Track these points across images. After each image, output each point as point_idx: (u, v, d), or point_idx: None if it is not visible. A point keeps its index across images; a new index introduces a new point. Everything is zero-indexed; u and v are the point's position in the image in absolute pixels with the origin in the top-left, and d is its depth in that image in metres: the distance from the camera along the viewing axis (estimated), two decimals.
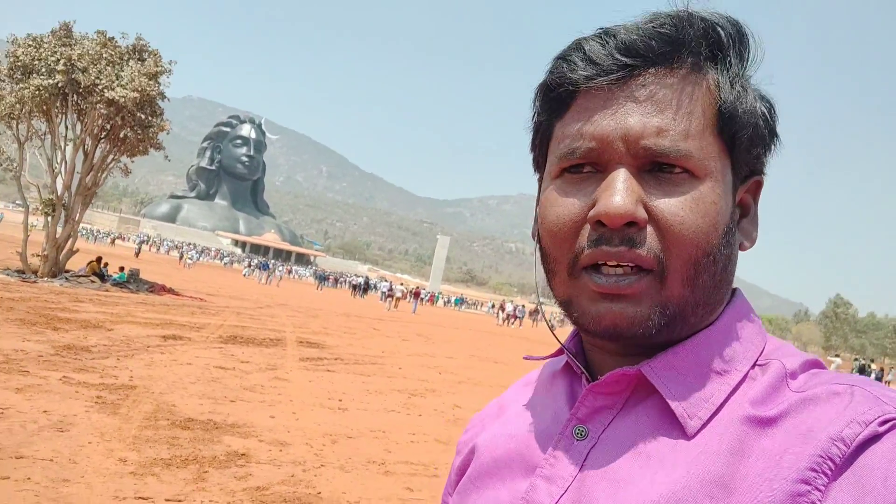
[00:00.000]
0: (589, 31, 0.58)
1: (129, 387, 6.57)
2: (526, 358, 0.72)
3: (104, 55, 17.35)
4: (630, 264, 0.53)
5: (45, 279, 17.62)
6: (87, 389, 6.18)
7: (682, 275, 0.53)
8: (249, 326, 14.04)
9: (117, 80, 17.05)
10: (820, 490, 0.44)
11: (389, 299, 36.09)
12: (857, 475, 0.44)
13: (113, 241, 56.93)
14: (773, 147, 0.60)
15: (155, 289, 19.54)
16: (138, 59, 18.42)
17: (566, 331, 0.75)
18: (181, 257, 51.11)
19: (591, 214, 0.53)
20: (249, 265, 52.15)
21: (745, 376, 0.55)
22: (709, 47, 0.55)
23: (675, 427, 0.53)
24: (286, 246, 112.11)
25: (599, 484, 0.53)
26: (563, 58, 0.58)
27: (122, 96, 16.81)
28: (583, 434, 0.57)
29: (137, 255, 46.97)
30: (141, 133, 18.57)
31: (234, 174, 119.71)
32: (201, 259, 58.68)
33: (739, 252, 0.59)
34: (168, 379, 7.25)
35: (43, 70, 16.91)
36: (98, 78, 16.91)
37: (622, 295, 0.53)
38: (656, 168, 0.54)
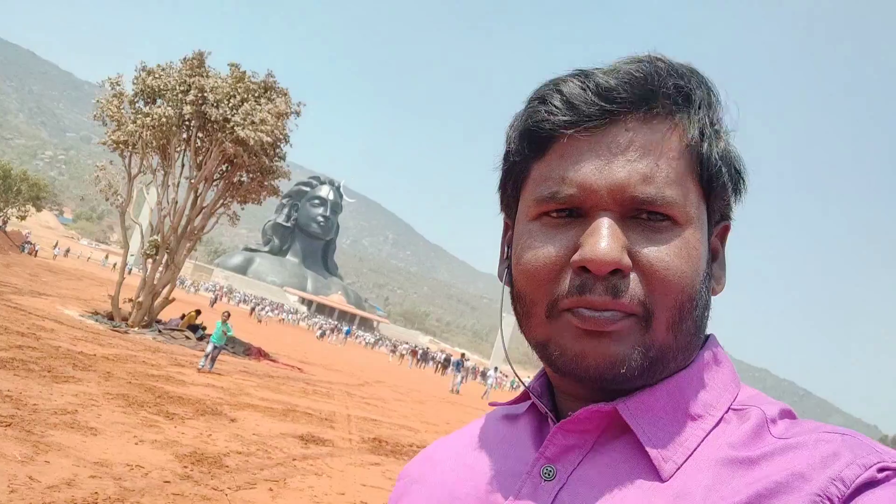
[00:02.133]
0: (564, 71, 0.55)
1: None
2: (492, 404, 0.67)
3: (239, 90, 15.74)
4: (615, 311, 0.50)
5: (136, 329, 15.63)
6: None
7: (668, 320, 0.50)
8: (380, 421, 11.39)
9: (250, 118, 15.33)
10: None
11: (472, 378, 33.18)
12: None
13: (198, 290, 56.13)
14: (742, 193, 0.58)
15: (251, 352, 17.33)
16: (267, 99, 16.82)
17: None
18: (252, 311, 49.95)
19: (576, 259, 0.50)
20: (321, 328, 50.58)
21: (720, 421, 0.52)
22: (681, 93, 0.53)
23: (648, 469, 0.50)
24: (351, 309, 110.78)
25: None
26: (540, 99, 0.54)
27: (255, 139, 15.03)
28: (551, 475, 0.53)
29: (212, 305, 45.78)
30: (260, 177, 16.81)
31: (308, 233, 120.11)
32: (271, 314, 57.52)
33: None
34: None
35: (169, 97, 15.40)
36: (231, 113, 15.23)
37: (606, 333, 0.50)
38: (639, 214, 0.51)
